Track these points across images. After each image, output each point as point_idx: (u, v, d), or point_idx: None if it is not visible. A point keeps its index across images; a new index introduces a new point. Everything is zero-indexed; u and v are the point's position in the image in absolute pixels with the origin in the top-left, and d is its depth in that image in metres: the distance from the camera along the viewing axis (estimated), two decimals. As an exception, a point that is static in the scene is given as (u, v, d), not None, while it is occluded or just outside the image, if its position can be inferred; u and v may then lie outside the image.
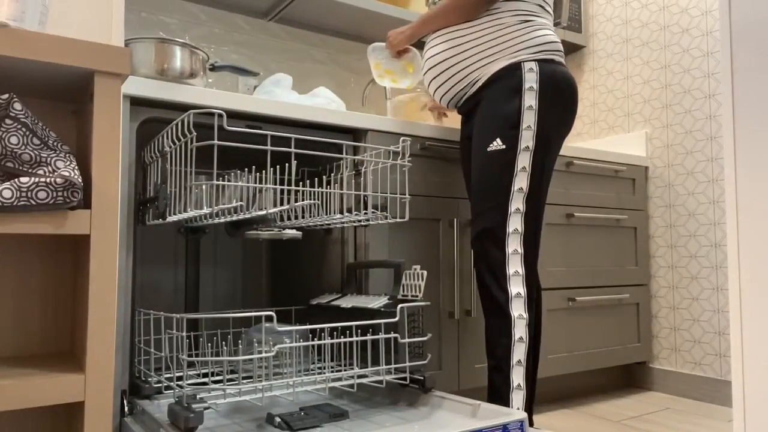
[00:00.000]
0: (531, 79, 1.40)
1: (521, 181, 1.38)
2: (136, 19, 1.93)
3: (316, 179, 1.61)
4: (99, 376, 0.92)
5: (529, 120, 1.38)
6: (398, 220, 1.34)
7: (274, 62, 2.19)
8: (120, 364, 1.22)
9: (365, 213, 1.31)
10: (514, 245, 1.36)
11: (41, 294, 1.14)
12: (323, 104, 1.65)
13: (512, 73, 1.41)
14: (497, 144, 1.39)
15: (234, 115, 1.42)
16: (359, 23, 2.22)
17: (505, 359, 1.33)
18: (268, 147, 1.07)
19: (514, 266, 1.36)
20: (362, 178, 1.53)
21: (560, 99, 1.43)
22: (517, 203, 1.38)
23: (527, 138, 1.38)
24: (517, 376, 1.32)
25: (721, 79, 1.62)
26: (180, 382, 1.15)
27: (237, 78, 2.09)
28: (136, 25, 1.93)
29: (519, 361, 1.32)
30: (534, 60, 1.41)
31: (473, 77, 1.46)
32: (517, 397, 1.32)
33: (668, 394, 2.20)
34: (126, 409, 1.21)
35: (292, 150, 1.12)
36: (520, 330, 1.34)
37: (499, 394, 1.34)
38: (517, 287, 1.35)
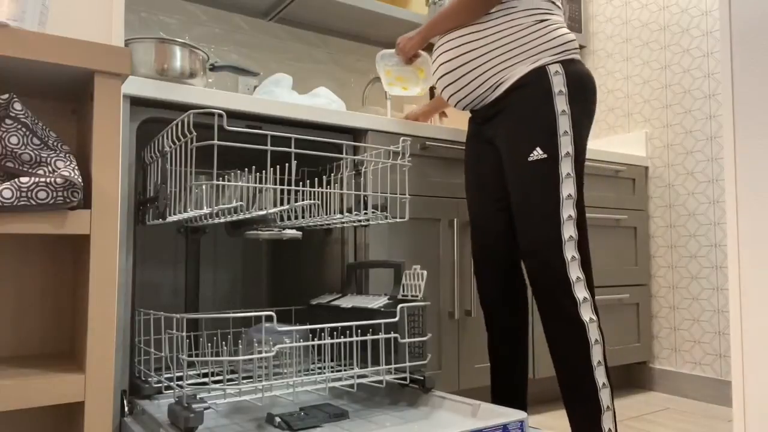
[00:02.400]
0: (559, 83, 1.38)
1: (568, 188, 1.37)
2: (136, 19, 1.93)
3: (316, 179, 1.61)
4: (99, 376, 0.92)
5: (564, 125, 1.37)
6: (398, 220, 1.34)
7: (274, 62, 2.19)
8: (120, 364, 1.22)
9: (365, 213, 1.31)
10: (571, 252, 1.35)
11: (41, 294, 1.14)
12: (323, 104, 1.65)
13: (539, 78, 1.38)
14: (538, 153, 1.37)
15: (234, 115, 1.42)
16: (359, 23, 2.22)
17: (585, 364, 1.34)
18: (268, 147, 1.07)
19: (575, 272, 1.35)
20: (362, 178, 1.53)
21: (587, 99, 1.42)
22: (568, 210, 1.36)
23: (566, 143, 1.37)
24: (601, 376, 1.34)
25: (721, 79, 1.62)
26: (180, 382, 1.15)
27: (237, 78, 2.09)
28: (136, 25, 1.93)
29: (599, 362, 1.33)
30: (557, 62, 1.39)
31: (494, 81, 1.42)
32: (605, 395, 1.33)
33: (668, 394, 2.20)
34: (126, 409, 1.21)
35: (292, 150, 1.12)
36: (594, 333, 1.34)
37: (583, 394, 1.34)
38: (581, 292, 1.35)
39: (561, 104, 1.38)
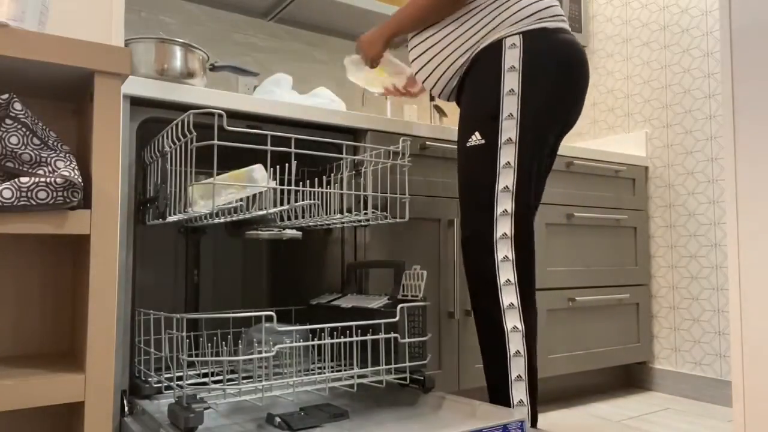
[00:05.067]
0: (512, 58, 1.23)
1: (506, 179, 1.23)
2: (136, 19, 1.93)
3: (316, 179, 1.61)
4: (99, 376, 0.92)
5: (510, 107, 1.23)
6: (398, 220, 1.34)
7: (274, 62, 2.19)
8: (120, 364, 1.22)
9: (365, 213, 1.31)
10: (504, 251, 1.23)
11: (41, 294, 1.14)
12: (323, 104, 1.65)
13: (490, 54, 1.25)
14: (476, 138, 1.26)
15: (234, 115, 1.42)
16: (359, 23, 2.22)
17: (501, 375, 1.23)
18: (268, 147, 1.07)
19: (506, 274, 1.23)
20: (362, 178, 1.53)
21: (554, 72, 1.25)
22: (504, 204, 1.24)
23: (509, 128, 1.23)
24: (519, 392, 1.22)
25: (721, 79, 1.62)
26: (180, 382, 1.15)
27: (237, 78, 2.09)
28: (136, 25, 1.93)
29: (519, 377, 1.22)
30: (517, 33, 1.24)
31: (459, 64, 1.33)
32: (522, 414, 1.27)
33: (668, 394, 2.20)
34: (126, 409, 1.21)
35: (292, 150, 1.12)
36: (515, 344, 1.22)
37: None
38: (509, 297, 1.22)
39: (510, 82, 1.23)
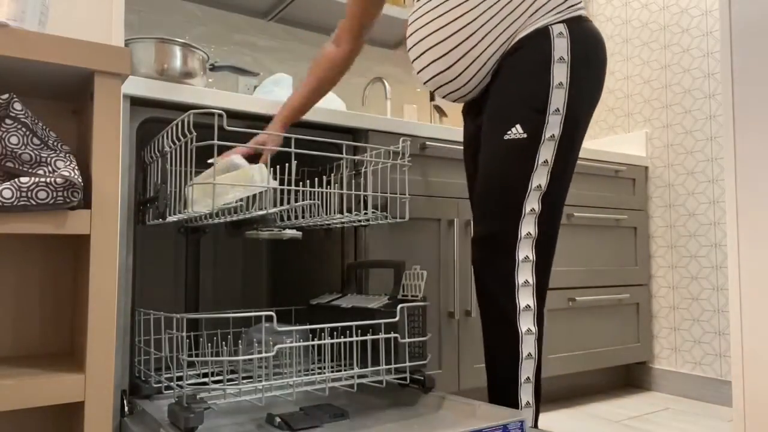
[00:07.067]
0: (561, 47, 1.13)
1: (540, 177, 1.16)
2: (136, 19, 1.93)
3: (316, 179, 1.61)
4: (99, 376, 0.92)
5: (558, 101, 1.13)
6: (398, 220, 1.34)
7: (274, 62, 2.18)
8: (120, 364, 1.22)
9: (365, 213, 1.31)
10: (525, 251, 1.18)
11: (41, 294, 1.14)
12: (323, 104, 1.65)
13: (538, 41, 1.14)
14: (517, 131, 1.15)
15: (234, 115, 1.42)
16: (359, 23, 2.22)
17: (512, 377, 1.19)
18: (268, 147, 1.07)
19: (524, 275, 1.18)
20: (362, 178, 1.53)
21: (595, 69, 1.18)
22: (533, 203, 1.17)
23: (554, 124, 1.14)
24: (526, 394, 1.20)
25: (721, 79, 1.62)
26: (180, 382, 1.15)
27: (237, 78, 2.09)
28: (136, 25, 1.93)
29: (528, 379, 1.19)
30: (562, 21, 1.15)
31: (492, 63, 1.19)
32: (527, 415, 1.22)
33: (668, 394, 2.20)
34: (126, 409, 1.21)
35: (292, 150, 1.12)
36: (528, 346, 1.18)
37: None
38: (526, 299, 1.18)
39: (560, 75, 1.14)
